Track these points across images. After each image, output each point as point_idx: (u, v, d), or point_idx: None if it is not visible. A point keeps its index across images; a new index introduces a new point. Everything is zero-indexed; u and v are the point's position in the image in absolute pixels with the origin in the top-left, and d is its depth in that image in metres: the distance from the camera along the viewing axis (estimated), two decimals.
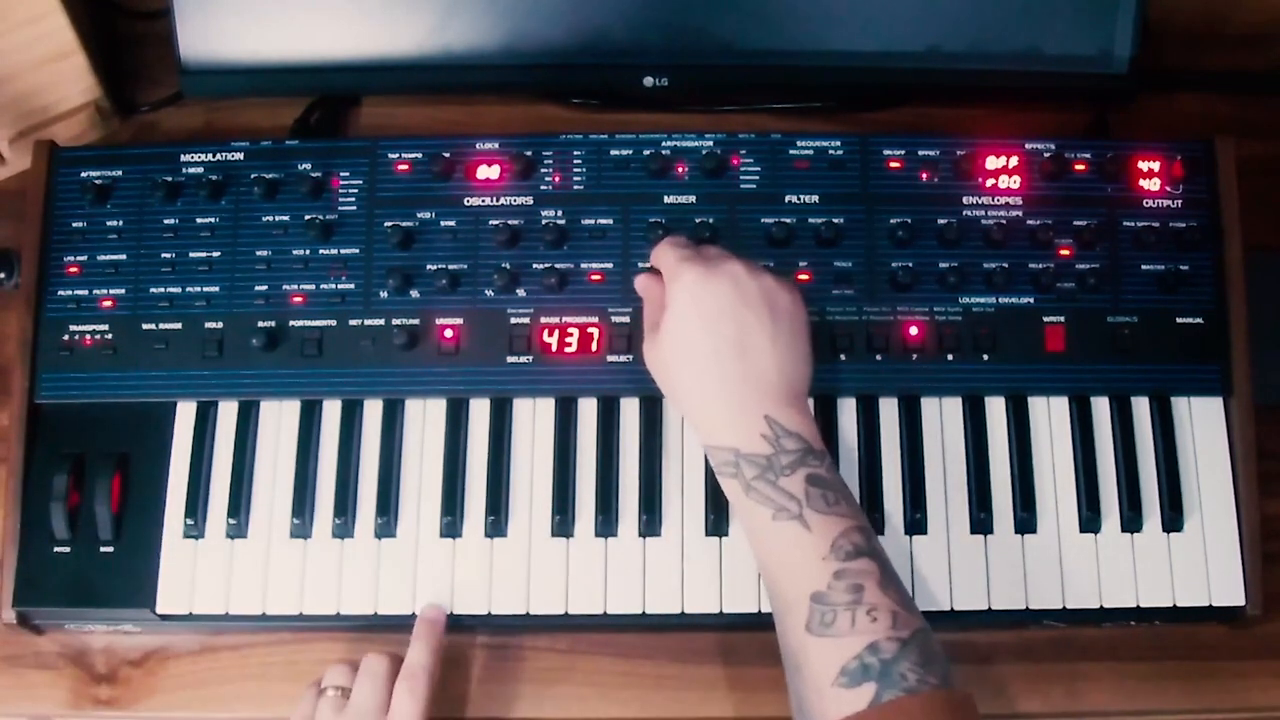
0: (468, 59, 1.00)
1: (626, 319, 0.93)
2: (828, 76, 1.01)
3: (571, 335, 0.93)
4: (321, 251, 0.95)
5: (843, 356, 0.93)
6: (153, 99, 1.06)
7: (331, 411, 0.93)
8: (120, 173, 0.96)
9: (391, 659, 0.87)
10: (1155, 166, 0.96)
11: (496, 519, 0.90)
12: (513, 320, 0.93)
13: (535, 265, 0.94)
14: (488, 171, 0.96)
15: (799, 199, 0.95)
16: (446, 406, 0.93)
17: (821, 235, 0.94)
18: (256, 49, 0.99)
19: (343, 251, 0.95)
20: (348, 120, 1.06)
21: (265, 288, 0.94)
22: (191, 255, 0.95)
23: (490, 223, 0.95)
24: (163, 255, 0.95)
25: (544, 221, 0.95)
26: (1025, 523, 0.90)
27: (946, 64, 1.00)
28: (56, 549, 0.90)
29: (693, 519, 0.90)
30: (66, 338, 0.93)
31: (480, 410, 0.93)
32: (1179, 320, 0.94)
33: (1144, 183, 0.96)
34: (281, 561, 0.90)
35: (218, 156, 0.96)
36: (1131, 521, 0.90)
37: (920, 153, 0.96)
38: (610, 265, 0.94)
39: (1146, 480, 0.91)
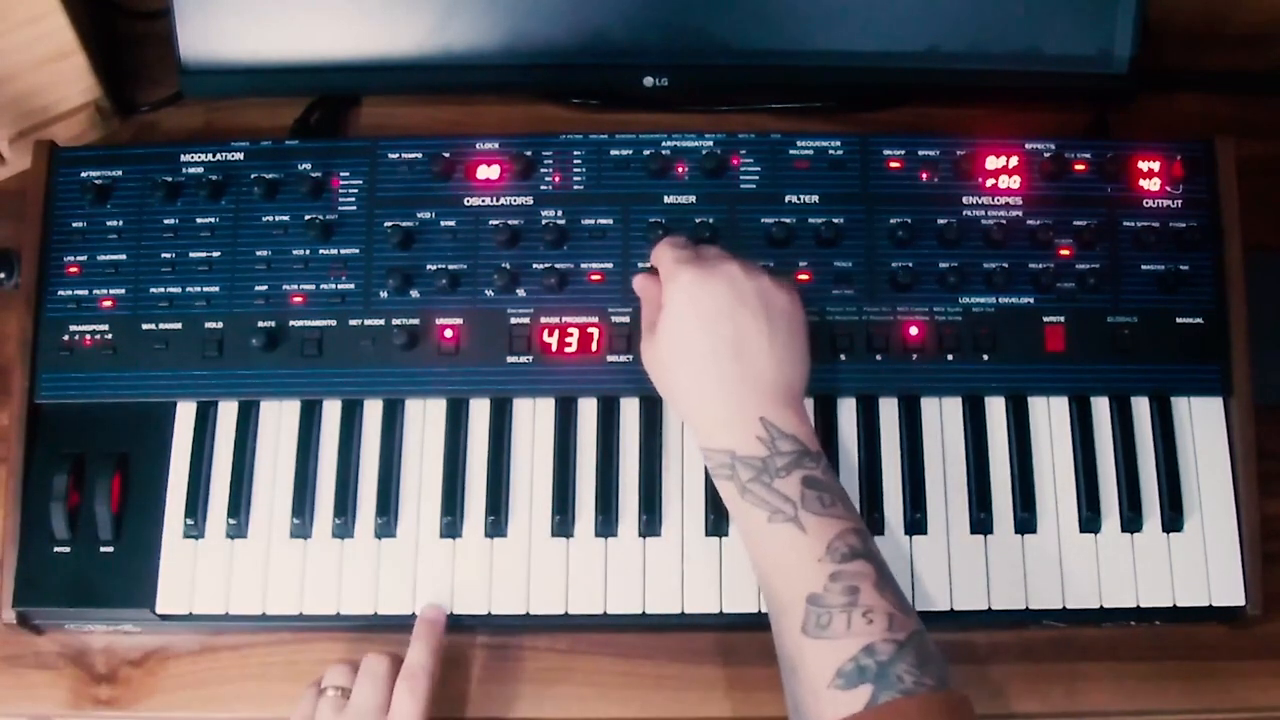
0: (468, 59, 1.00)
1: (626, 319, 0.93)
2: (828, 76, 1.01)
3: (571, 335, 0.93)
4: (321, 251, 0.95)
5: (843, 356, 0.93)
6: (153, 99, 1.06)
7: (331, 411, 0.93)
8: (120, 173, 0.96)
9: (392, 659, 0.87)
10: (1155, 166, 0.96)
11: (496, 519, 0.90)
12: (513, 320, 0.93)
13: (535, 265, 0.94)
14: (488, 171, 0.96)
15: (799, 199, 0.95)
16: (446, 406, 0.93)
17: (821, 235, 0.94)
18: (256, 49, 0.99)
19: (343, 251, 0.95)
20: (348, 120, 1.06)
21: (265, 288, 0.94)
22: (191, 255, 0.95)
23: (490, 223, 0.95)
24: (163, 255, 0.95)
25: (544, 221, 0.95)
26: (1025, 523, 0.90)
27: (946, 64, 1.00)
28: (56, 549, 0.90)
29: (693, 519, 0.90)
30: (66, 338, 0.93)
31: (480, 410, 0.93)
32: (1179, 320, 0.94)
33: (1144, 183, 0.96)
34: (281, 561, 0.90)
35: (218, 156, 0.96)
36: (1131, 521, 0.90)
37: (920, 153, 0.96)
38: (610, 265, 0.94)
39: (1146, 480, 0.91)
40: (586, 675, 0.91)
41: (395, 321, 0.93)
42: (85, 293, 0.94)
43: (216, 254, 0.95)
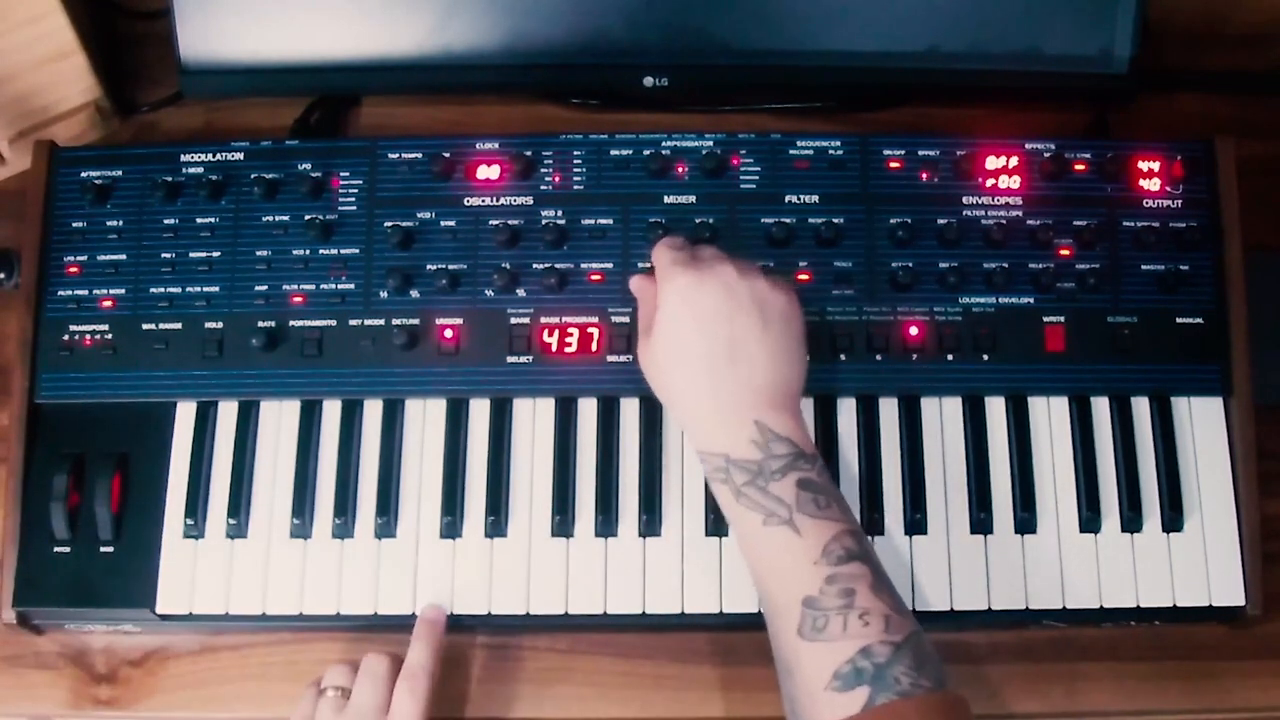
0: (468, 59, 1.00)
1: (626, 319, 0.93)
2: (828, 76, 1.01)
3: (571, 335, 0.93)
4: (321, 251, 0.95)
5: (843, 356, 0.93)
6: (153, 99, 1.06)
7: (331, 411, 0.93)
8: (120, 173, 0.96)
9: (392, 659, 0.87)
10: (1155, 166, 0.96)
11: (496, 519, 0.90)
12: (513, 320, 0.93)
13: (535, 265, 0.94)
14: (488, 171, 0.96)
15: (799, 199, 0.95)
16: (446, 406, 0.93)
17: (821, 235, 0.94)
18: (256, 49, 0.99)
19: (343, 251, 0.95)
20: (348, 120, 1.06)
21: (265, 288, 0.94)
22: (191, 255, 0.95)
23: (490, 223, 0.95)
24: (163, 255, 0.95)
25: (544, 221, 0.95)
26: (1025, 523, 0.90)
27: (946, 64, 1.00)
28: (56, 549, 0.90)
29: (693, 519, 0.90)
30: (66, 338, 0.93)
31: (480, 410, 0.93)
32: (1179, 320, 0.94)
33: (1144, 183, 0.96)
34: (281, 561, 0.90)
35: (218, 156, 0.96)
36: (1131, 521, 0.90)
37: (920, 153, 0.96)
38: (610, 265, 0.94)
39: (1146, 480, 0.91)
40: (586, 675, 0.91)
41: (395, 321, 0.93)
42: (85, 293, 0.94)
43: (216, 254, 0.95)
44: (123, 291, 0.94)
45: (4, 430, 0.94)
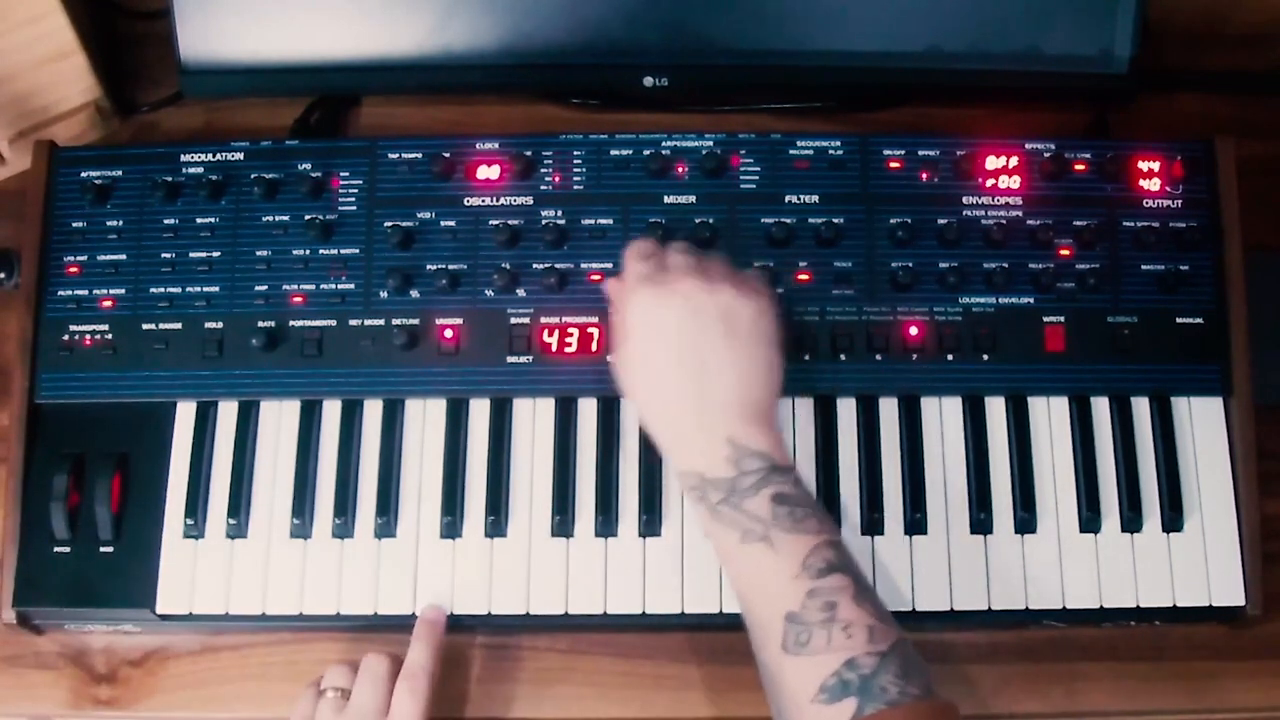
0: (468, 59, 1.00)
1: None
2: (828, 76, 1.01)
3: (571, 335, 0.93)
4: (321, 251, 0.95)
5: (843, 356, 0.93)
6: (153, 99, 1.06)
7: (331, 411, 0.93)
8: (120, 173, 0.96)
9: (392, 659, 0.87)
10: (1155, 166, 0.96)
11: (496, 519, 0.90)
12: (513, 320, 0.93)
13: (535, 265, 0.94)
14: (488, 171, 0.96)
15: (799, 199, 0.95)
16: (446, 406, 0.93)
17: (821, 235, 0.94)
18: (256, 49, 0.99)
19: (343, 251, 0.95)
20: (348, 120, 1.06)
21: (265, 288, 0.94)
22: (191, 255, 0.95)
23: (490, 223, 0.95)
24: (163, 255, 0.95)
25: (544, 221, 0.95)
26: (1025, 523, 0.90)
27: (946, 64, 1.00)
28: (56, 549, 0.90)
29: (693, 519, 0.90)
30: (66, 338, 0.93)
31: (480, 410, 0.93)
32: (1179, 320, 0.94)
33: (1144, 183, 0.96)
34: (281, 561, 0.90)
35: (218, 156, 0.96)
36: (1131, 522, 0.90)
37: (920, 153, 0.96)
38: (610, 265, 0.94)
39: (1146, 480, 0.91)
40: (586, 675, 0.91)
41: (395, 321, 0.93)
42: (85, 293, 0.94)
43: (216, 254, 0.95)
44: (123, 291, 0.94)
45: (4, 430, 0.94)
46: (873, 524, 0.90)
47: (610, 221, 0.95)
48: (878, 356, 0.93)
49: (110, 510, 0.89)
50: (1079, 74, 1.00)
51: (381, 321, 0.93)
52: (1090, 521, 0.90)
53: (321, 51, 1.00)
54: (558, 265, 0.94)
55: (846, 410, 0.93)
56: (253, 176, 0.95)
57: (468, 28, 0.99)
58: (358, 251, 0.95)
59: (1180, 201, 0.96)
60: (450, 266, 0.94)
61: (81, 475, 0.91)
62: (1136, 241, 0.95)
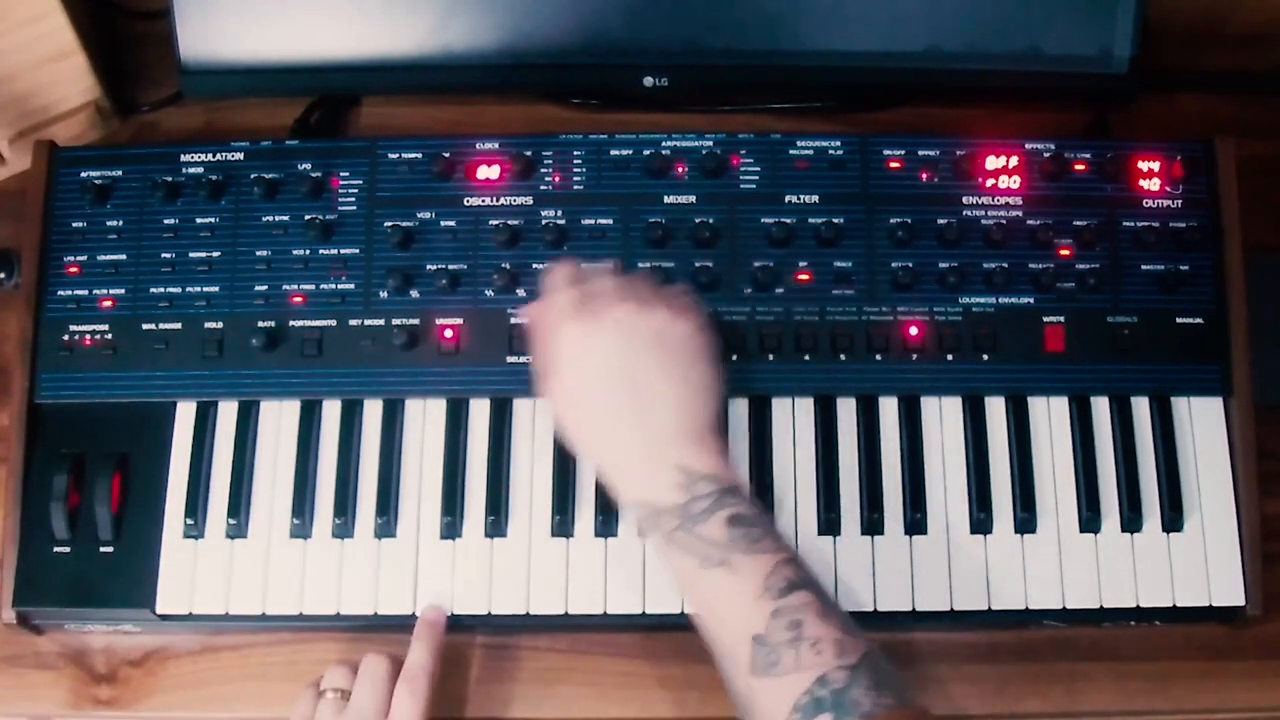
0: (468, 59, 1.00)
1: None
2: (828, 76, 1.01)
3: None
4: (321, 251, 0.95)
5: (843, 356, 0.93)
6: (153, 99, 1.06)
7: (331, 411, 0.93)
8: (120, 173, 0.96)
9: (391, 660, 0.87)
10: (1155, 166, 0.96)
11: (496, 519, 0.90)
12: (513, 320, 0.93)
13: (535, 265, 0.94)
14: (488, 171, 0.96)
15: (799, 199, 0.95)
16: (446, 406, 0.93)
17: (821, 235, 0.94)
18: (256, 49, 0.99)
19: (343, 251, 0.95)
20: (348, 120, 1.06)
21: (265, 288, 0.94)
22: (191, 255, 0.95)
23: (490, 223, 0.95)
24: (163, 255, 0.95)
25: (544, 221, 0.95)
26: (1025, 523, 0.90)
27: (946, 64, 1.00)
28: (56, 549, 0.90)
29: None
30: (66, 338, 0.93)
31: (480, 410, 0.93)
32: (1179, 320, 0.94)
33: (1144, 183, 0.96)
34: (281, 561, 0.90)
35: (218, 156, 0.96)
36: (1131, 521, 0.90)
37: (920, 153, 0.96)
38: (610, 265, 0.94)
39: (1146, 480, 0.91)
40: (586, 675, 0.91)
41: (395, 321, 0.93)
42: (85, 293, 0.94)
43: (216, 254, 0.95)
44: (123, 291, 0.94)
45: (4, 430, 0.94)
46: (873, 524, 0.90)
47: (610, 221, 0.95)
48: (878, 356, 0.93)
49: (110, 510, 0.89)
50: (1079, 74, 1.00)
51: (381, 321, 0.93)
52: (1090, 521, 0.90)
53: (321, 51, 1.00)
54: None
55: (846, 410, 0.93)
56: (253, 176, 0.95)
57: (468, 28, 0.99)
58: (358, 251, 0.95)
59: (1180, 201, 0.96)
60: (450, 266, 0.94)
61: (81, 475, 0.91)
62: (1136, 241, 0.95)
